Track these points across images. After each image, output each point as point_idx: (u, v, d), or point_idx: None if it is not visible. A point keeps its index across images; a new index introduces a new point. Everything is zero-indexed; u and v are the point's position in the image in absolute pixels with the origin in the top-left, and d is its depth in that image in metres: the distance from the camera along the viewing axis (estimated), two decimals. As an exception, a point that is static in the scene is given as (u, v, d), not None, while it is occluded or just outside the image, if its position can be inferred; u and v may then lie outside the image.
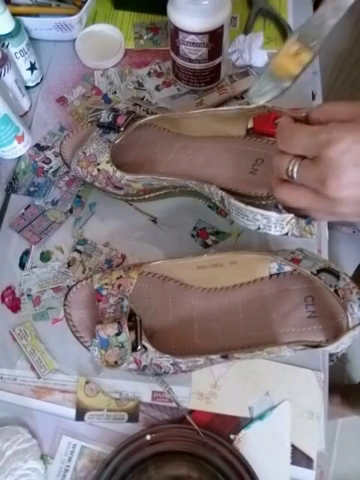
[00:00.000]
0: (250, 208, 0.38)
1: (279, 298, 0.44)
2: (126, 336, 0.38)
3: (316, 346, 0.38)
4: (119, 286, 0.41)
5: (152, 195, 0.49)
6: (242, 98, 0.58)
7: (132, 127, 0.48)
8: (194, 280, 0.45)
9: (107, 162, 0.47)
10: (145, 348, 0.39)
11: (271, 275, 0.44)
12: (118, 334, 0.38)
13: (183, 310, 0.45)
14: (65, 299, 0.44)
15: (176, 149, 0.51)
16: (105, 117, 0.49)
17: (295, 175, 0.33)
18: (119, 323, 0.39)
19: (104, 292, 0.41)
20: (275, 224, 0.37)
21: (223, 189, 0.43)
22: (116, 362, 0.39)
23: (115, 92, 0.60)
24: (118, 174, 0.47)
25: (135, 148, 0.52)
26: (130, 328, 0.39)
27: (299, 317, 0.43)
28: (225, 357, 0.39)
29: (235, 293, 0.45)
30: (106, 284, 0.42)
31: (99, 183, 0.48)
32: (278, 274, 0.44)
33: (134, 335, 0.39)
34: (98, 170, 0.47)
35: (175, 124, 0.50)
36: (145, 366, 0.40)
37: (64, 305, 0.44)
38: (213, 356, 0.39)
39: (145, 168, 0.50)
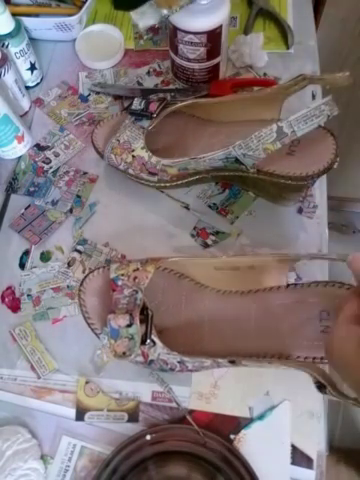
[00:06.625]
0: (313, 105, 0.40)
1: (293, 309, 0.43)
2: (137, 328, 0.38)
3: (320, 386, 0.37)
4: (135, 278, 0.41)
5: (184, 181, 0.49)
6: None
7: (163, 114, 0.49)
8: (210, 280, 0.45)
9: (142, 148, 0.48)
10: (154, 343, 0.39)
11: (288, 285, 0.44)
12: (129, 326, 0.38)
13: (196, 309, 0.45)
14: (81, 285, 0.44)
15: (208, 135, 0.51)
16: (137, 104, 0.50)
17: None
18: (131, 315, 0.39)
19: (119, 282, 0.41)
20: (331, 109, 0.40)
21: (260, 171, 0.45)
22: (124, 353, 0.39)
23: (98, 92, 0.60)
24: (154, 159, 0.47)
25: (165, 135, 0.52)
26: (141, 321, 0.39)
27: (312, 330, 0.42)
28: (232, 362, 0.38)
29: (250, 298, 0.44)
30: (122, 275, 0.42)
31: (133, 170, 0.49)
32: (295, 285, 0.43)
33: (144, 328, 0.39)
34: (133, 156, 0.48)
35: (205, 110, 0.51)
36: (152, 360, 0.40)
37: (79, 291, 0.44)
38: (221, 360, 0.38)
39: (177, 154, 0.50)
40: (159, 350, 0.39)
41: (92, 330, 0.43)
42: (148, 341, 0.39)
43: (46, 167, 0.56)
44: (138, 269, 0.42)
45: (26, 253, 0.51)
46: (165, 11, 0.46)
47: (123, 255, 0.50)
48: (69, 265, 0.50)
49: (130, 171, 0.49)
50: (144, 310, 0.40)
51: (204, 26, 0.50)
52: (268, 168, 0.45)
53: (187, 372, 0.40)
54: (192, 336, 0.43)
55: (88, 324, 0.43)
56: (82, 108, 0.59)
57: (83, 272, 0.50)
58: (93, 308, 0.43)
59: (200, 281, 0.45)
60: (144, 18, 0.45)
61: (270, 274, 0.44)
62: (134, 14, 0.46)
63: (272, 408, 0.43)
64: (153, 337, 0.39)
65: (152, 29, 0.64)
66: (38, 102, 0.61)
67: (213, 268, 0.44)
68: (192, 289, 0.45)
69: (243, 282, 0.44)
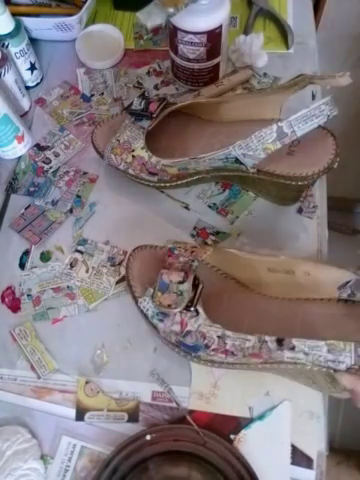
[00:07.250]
0: (313, 105, 0.40)
1: (339, 323, 0.42)
2: (188, 286, 0.38)
3: None
4: (192, 252, 0.42)
5: (184, 181, 0.49)
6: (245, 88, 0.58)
7: (163, 114, 0.49)
8: (256, 284, 0.44)
9: (142, 148, 0.48)
10: (197, 312, 0.39)
11: (339, 299, 0.42)
12: (181, 282, 0.39)
13: (237, 310, 0.44)
14: (133, 250, 0.45)
15: (208, 134, 0.51)
16: (137, 104, 0.50)
17: None
18: (186, 273, 0.39)
19: (176, 252, 0.42)
20: (331, 109, 0.41)
21: (260, 171, 0.44)
22: (170, 305, 0.39)
23: (102, 93, 0.60)
24: (154, 159, 0.47)
25: (165, 135, 0.52)
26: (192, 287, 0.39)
27: None
28: (280, 341, 0.36)
29: (297, 305, 0.43)
30: (179, 247, 0.43)
31: (133, 170, 0.49)
32: (346, 301, 0.42)
33: (193, 294, 0.39)
34: (133, 156, 0.48)
35: (205, 110, 0.51)
36: (189, 332, 0.39)
37: (130, 255, 0.45)
38: (267, 338, 0.36)
39: (177, 154, 0.50)
40: (201, 321, 0.38)
41: (131, 293, 0.43)
42: (192, 309, 0.38)
43: (46, 167, 0.56)
44: (196, 247, 0.43)
45: (26, 253, 0.51)
46: (171, 10, 0.45)
47: (125, 251, 0.50)
48: (72, 266, 0.50)
49: (130, 171, 0.49)
50: (196, 280, 0.40)
51: (204, 26, 0.50)
52: (268, 168, 0.45)
53: (220, 355, 0.38)
54: (232, 325, 0.41)
55: (129, 286, 0.44)
56: (84, 108, 0.59)
57: (86, 272, 0.50)
58: (137, 274, 0.44)
59: (245, 283, 0.45)
60: (151, 18, 0.45)
61: (323, 285, 0.42)
62: (141, 15, 0.45)
63: (272, 408, 0.43)
64: (198, 307, 0.38)
65: (152, 29, 0.64)
66: (40, 102, 0.61)
67: (266, 269, 0.43)
68: (236, 290, 0.45)
69: (292, 288, 0.43)
